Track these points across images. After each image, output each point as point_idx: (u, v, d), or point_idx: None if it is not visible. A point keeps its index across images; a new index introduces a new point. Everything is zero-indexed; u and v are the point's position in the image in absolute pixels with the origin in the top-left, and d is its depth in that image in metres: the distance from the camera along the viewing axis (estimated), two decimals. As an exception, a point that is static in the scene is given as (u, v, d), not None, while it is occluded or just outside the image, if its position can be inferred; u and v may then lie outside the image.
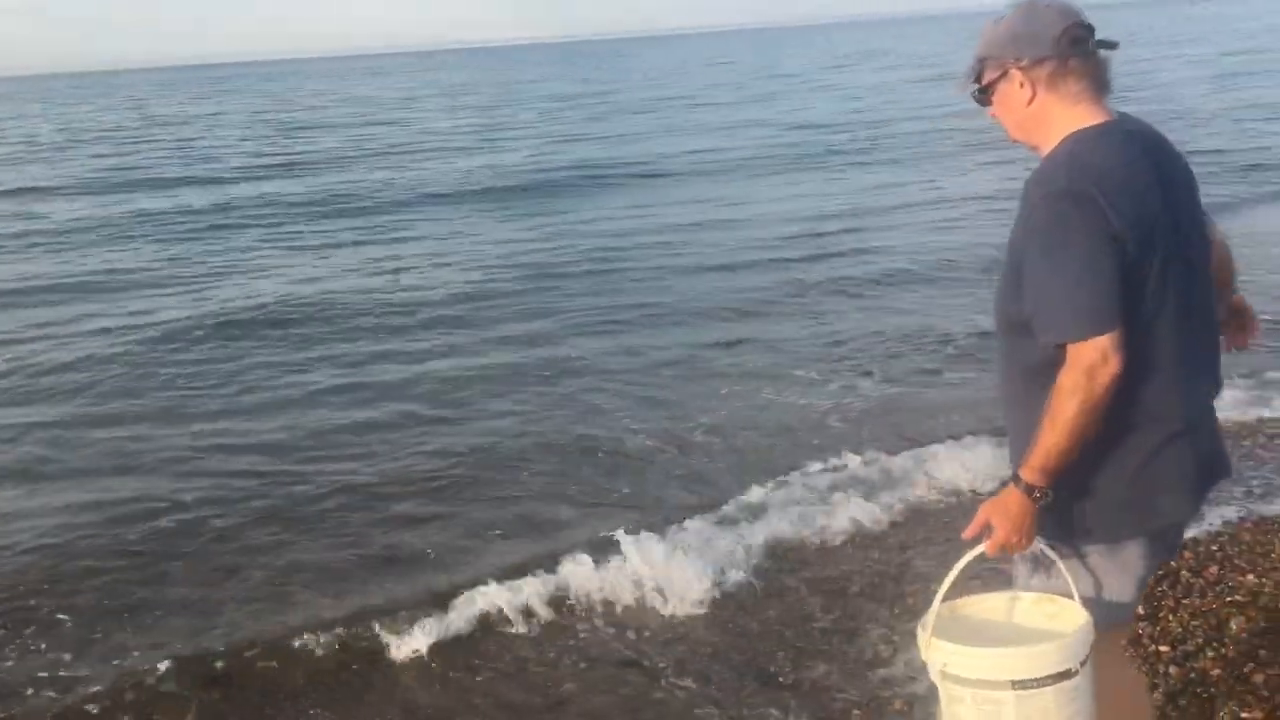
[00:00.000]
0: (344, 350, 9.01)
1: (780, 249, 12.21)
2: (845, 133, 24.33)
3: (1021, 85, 2.40)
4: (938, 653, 2.34)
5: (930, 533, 5.10)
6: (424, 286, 11.33)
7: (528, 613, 4.56)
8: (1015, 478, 2.32)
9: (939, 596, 2.39)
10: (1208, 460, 2.46)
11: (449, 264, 12.56)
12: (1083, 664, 2.29)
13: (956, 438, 6.04)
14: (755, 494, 5.55)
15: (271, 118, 43.94)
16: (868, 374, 7.56)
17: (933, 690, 2.40)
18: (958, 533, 2.41)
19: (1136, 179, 2.30)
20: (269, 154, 27.52)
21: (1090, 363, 2.22)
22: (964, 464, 5.65)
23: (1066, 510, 2.35)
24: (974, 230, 12.31)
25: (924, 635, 2.38)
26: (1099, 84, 2.39)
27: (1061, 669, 2.26)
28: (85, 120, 49.54)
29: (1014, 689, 2.27)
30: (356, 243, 14.52)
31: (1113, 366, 2.22)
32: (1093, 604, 2.38)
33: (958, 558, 2.34)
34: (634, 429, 6.74)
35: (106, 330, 9.84)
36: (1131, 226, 2.24)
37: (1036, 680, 2.25)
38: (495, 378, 7.96)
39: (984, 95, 2.49)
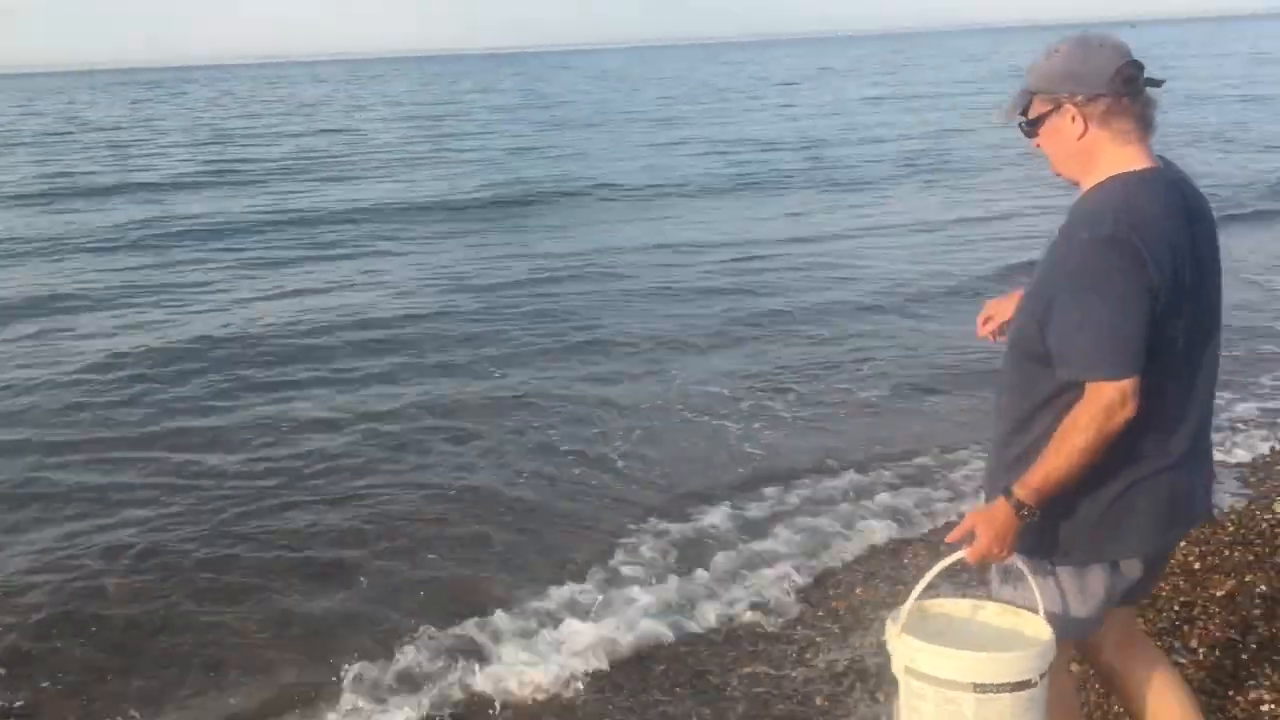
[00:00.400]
0: (265, 379, 8.47)
1: (715, 275, 12.01)
2: (796, 151, 24.35)
3: (1074, 120, 2.47)
4: (906, 648, 2.45)
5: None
6: (352, 311, 10.77)
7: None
8: (1007, 492, 2.43)
9: (914, 594, 2.50)
10: (1186, 499, 2.56)
11: (377, 287, 12.05)
12: (1042, 677, 2.39)
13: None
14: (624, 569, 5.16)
15: (209, 124, 42.47)
16: (798, 403, 7.50)
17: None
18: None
19: (1178, 234, 2.39)
20: (206, 163, 26.47)
21: (1109, 402, 2.33)
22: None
23: (1041, 527, 2.46)
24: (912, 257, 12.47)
25: (893, 629, 2.49)
26: (1146, 123, 2.47)
27: (1023, 679, 2.37)
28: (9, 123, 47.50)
29: (975, 691, 2.37)
30: (286, 262, 13.82)
31: (1129, 410, 2.33)
32: (1054, 617, 2.50)
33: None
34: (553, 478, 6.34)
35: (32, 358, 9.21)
36: (1167, 279, 2.34)
37: (997, 686, 2.36)
38: (417, 416, 7.46)
39: (1032, 127, 2.56)
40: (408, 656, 4.44)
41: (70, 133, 39.90)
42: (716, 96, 48.53)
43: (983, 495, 2.71)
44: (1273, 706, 3.69)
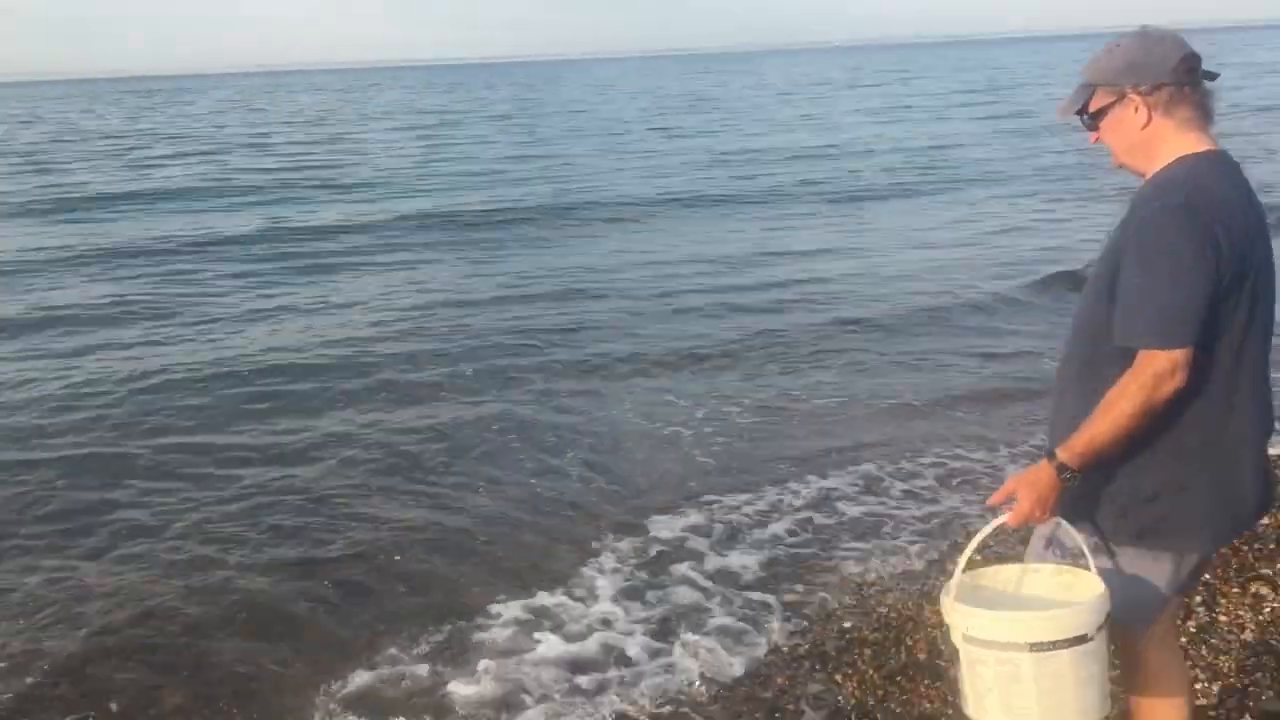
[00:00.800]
0: (243, 403, 8.18)
1: (688, 291, 11.82)
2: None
3: (1138, 110, 2.52)
4: (960, 617, 2.49)
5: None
6: (322, 333, 10.43)
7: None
8: (1051, 455, 2.47)
9: (962, 562, 2.55)
10: (1254, 498, 2.61)
11: (350, 308, 11.62)
12: (1099, 630, 2.44)
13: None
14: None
15: (204, 135, 42.07)
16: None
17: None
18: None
19: (1244, 212, 2.46)
20: (202, 176, 25.89)
21: (1159, 371, 2.36)
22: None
23: (1125, 509, 2.53)
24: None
25: (947, 600, 2.53)
26: (1206, 112, 2.54)
27: (1078, 634, 2.41)
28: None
29: (1031, 651, 2.41)
30: (265, 280, 13.26)
31: (1178, 381, 2.36)
32: (1118, 597, 2.50)
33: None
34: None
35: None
36: (1235, 253, 2.38)
37: (1052, 643, 2.41)
38: (390, 439, 7.25)
39: (1094, 120, 2.61)
40: (388, 669, 4.47)
41: (71, 141, 40.06)
42: (711, 106, 48.71)
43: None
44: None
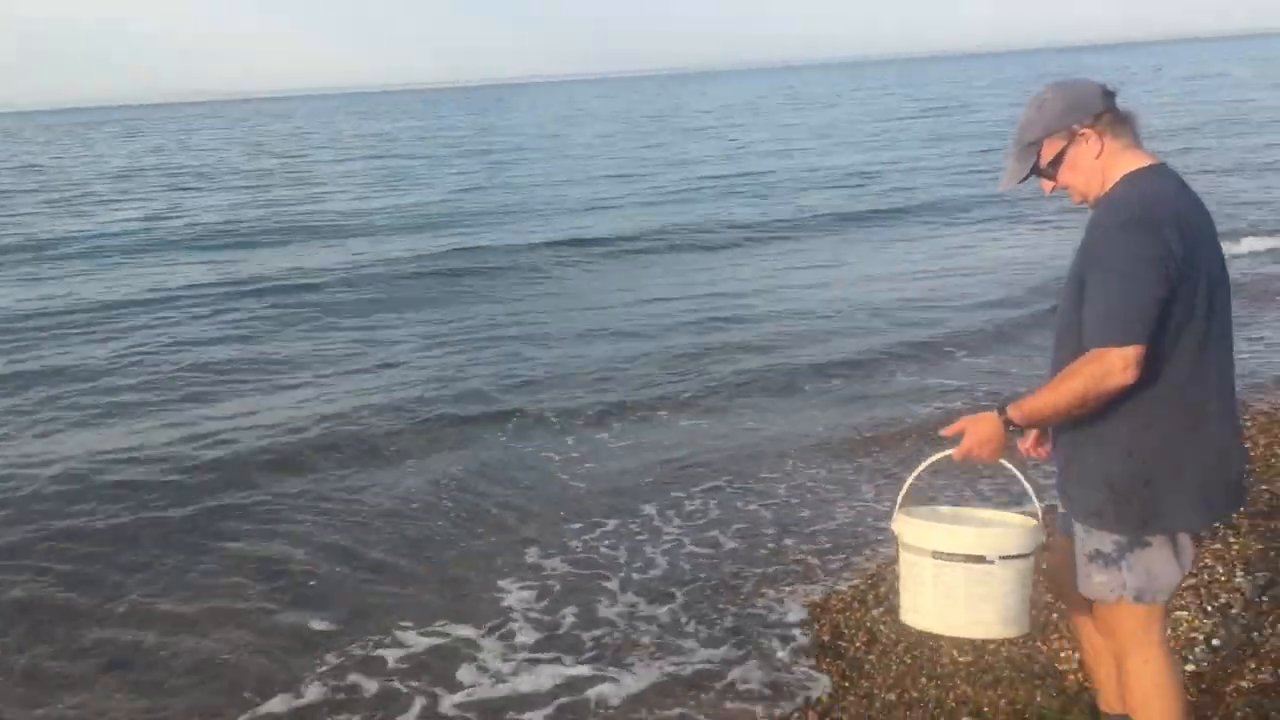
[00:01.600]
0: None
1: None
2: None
3: (1090, 141, 2.80)
4: (897, 523, 2.98)
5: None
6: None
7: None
8: (1001, 408, 2.80)
9: (909, 481, 3.00)
10: (1238, 480, 2.89)
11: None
12: (1003, 559, 2.82)
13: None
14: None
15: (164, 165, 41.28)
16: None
17: None
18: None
19: (1190, 215, 2.71)
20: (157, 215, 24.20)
21: (1109, 366, 2.62)
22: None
23: (1130, 497, 2.78)
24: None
25: (896, 510, 3.01)
26: (1137, 131, 2.84)
27: (975, 554, 2.82)
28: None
29: (933, 558, 2.87)
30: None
31: (1127, 377, 2.62)
32: (1145, 586, 2.85)
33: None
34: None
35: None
36: (1186, 248, 2.63)
37: (949, 555, 2.84)
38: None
39: (1053, 169, 2.87)
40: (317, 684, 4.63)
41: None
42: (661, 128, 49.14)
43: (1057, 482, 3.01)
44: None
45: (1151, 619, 2.98)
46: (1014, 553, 2.86)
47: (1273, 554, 4.87)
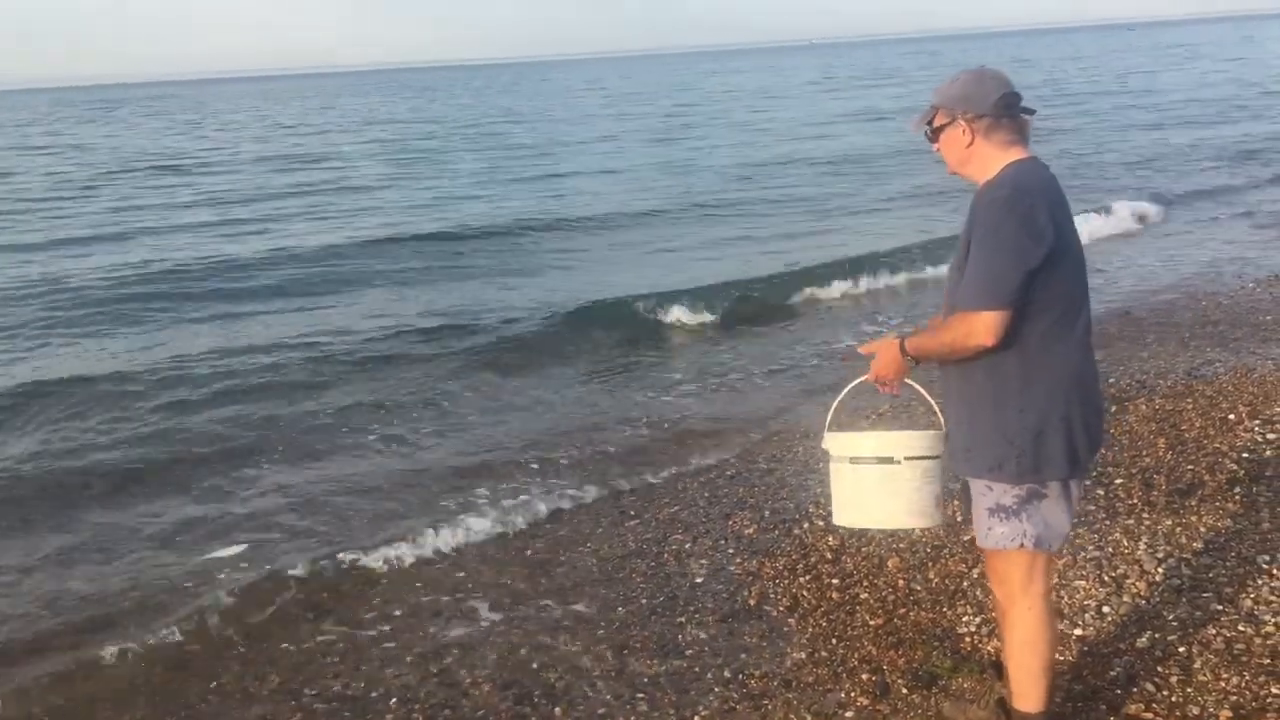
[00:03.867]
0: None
1: None
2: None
3: (964, 132, 3.17)
4: (826, 439, 3.51)
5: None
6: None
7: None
8: (902, 342, 3.23)
9: (835, 403, 3.57)
10: (1099, 429, 3.26)
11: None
12: (908, 459, 3.34)
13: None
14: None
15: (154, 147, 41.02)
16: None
17: None
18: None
19: (1056, 202, 3.09)
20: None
21: (972, 328, 3.00)
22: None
23: (1023, 450, 3.12)
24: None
25: (825, 429, 3.54)
26: (1023, 136, 3.19)
27: (884, 455, 3.38)
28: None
29: (850, 463, 3.44)
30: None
31: (988, 339, 2.99)
32: (1044, 533, 3.22)
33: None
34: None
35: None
36: (1054, 226, 3.00)
37: (862, 458, 3.42)
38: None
39: (935, 134, 3.26)
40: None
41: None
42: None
43: (954, 442, 3.35)
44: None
45: (1037, 569, 3.32)
46: (918, 454, 3.39)
47: (1179, 530, 5.16)
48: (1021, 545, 3.25)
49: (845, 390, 3.54)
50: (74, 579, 5.85)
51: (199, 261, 15.64)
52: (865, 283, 12.82)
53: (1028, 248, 2.98)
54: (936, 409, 3.45)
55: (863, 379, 3.46)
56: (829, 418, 3.58)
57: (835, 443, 3.52)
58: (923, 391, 3.47)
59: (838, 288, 12.66)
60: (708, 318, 11.45)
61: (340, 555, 5.83)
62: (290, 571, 5.66)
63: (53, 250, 17.39)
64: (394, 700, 4.47)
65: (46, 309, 12.95)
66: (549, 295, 12.63)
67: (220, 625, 5.18)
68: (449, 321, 11.52)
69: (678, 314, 11.46)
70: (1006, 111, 3.17)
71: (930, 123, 3.27)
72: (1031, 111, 3.24)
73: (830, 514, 3.67)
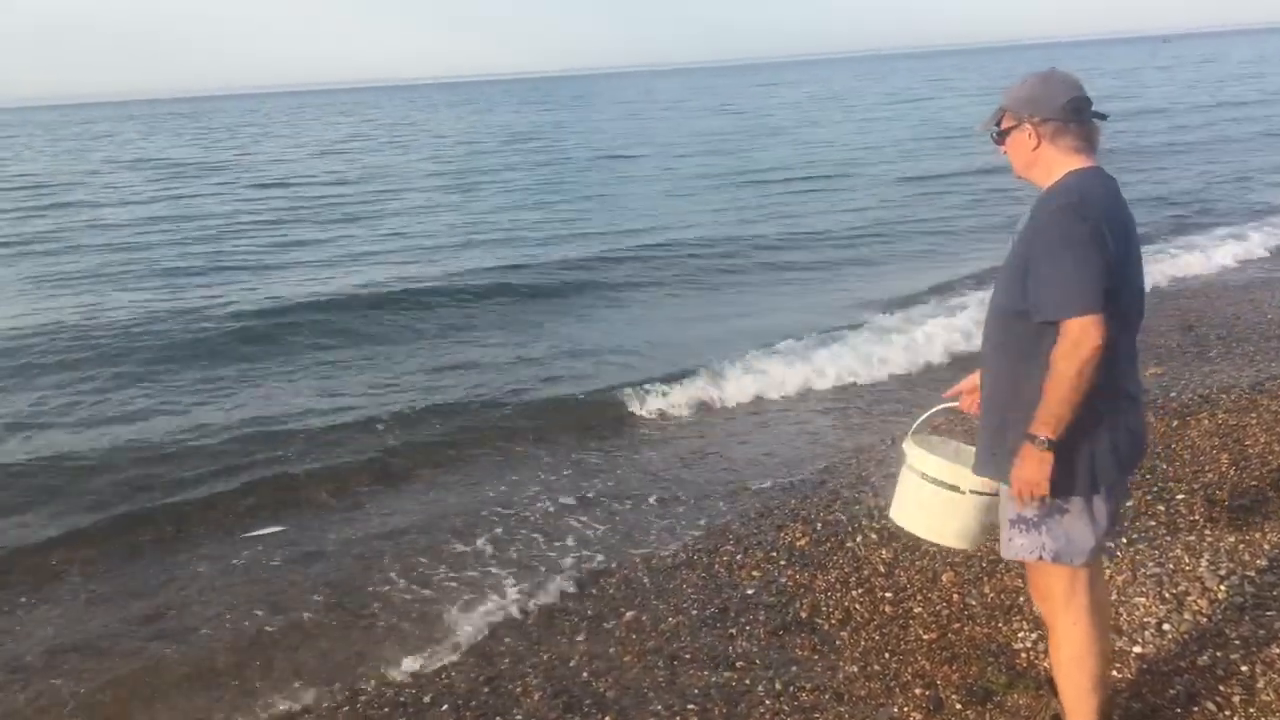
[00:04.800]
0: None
1: None
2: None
3: (1030, 136, 3.13)
4: (906, 443, 3.70)
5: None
6: None
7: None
8: (1032, 436, 3.00)
9: (917, 424, 3.78)
10: (1142, 437, 3.23)
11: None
12: (972, 492, 3.47)
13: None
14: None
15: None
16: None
17: None
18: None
19: (1119, 213, 3.04)
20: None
21: (1079, 335, 2.88)
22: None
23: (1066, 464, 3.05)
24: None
25: (909, 435, 3.74)
26: (1090, 143, 3.13)
27: (950, 483, 3.52)
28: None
29: (921, 477, 3.60)
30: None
31: (1097, 339, 2.87)
32: (1068, 547, 3.19)
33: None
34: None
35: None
36: (1115, 242, 2.94)
37: (934, 479, 3.56)
38: None
39: (1001, 137, 3.22)
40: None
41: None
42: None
43: (982, 443, 3.35)
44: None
45: (1078, 583, 3.28)
46: (982, 490, 3.49)
47: (1242, 546, 5.05)
48: (1040, 557, 3.23)
49: (934, 410, 3.79)
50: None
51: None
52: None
53: (1103, 254, 2.93)
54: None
55: (946, 407, 3.77)
56: (915, 425, 3.78)
57: (913, 452, 3.66)
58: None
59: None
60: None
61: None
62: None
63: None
64: (444, 707, 4.50)
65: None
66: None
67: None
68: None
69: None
70: (1075, 116, 3.12)
71: (998, 124, 3.23)
72: (1103, 117, 3.20)
73: (888, 508, 3.87)
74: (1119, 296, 2.99)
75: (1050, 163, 3.13)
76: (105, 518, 6.93)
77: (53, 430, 8.83)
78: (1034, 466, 3.05)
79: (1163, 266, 12.77)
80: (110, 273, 16.40)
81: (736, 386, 9.12)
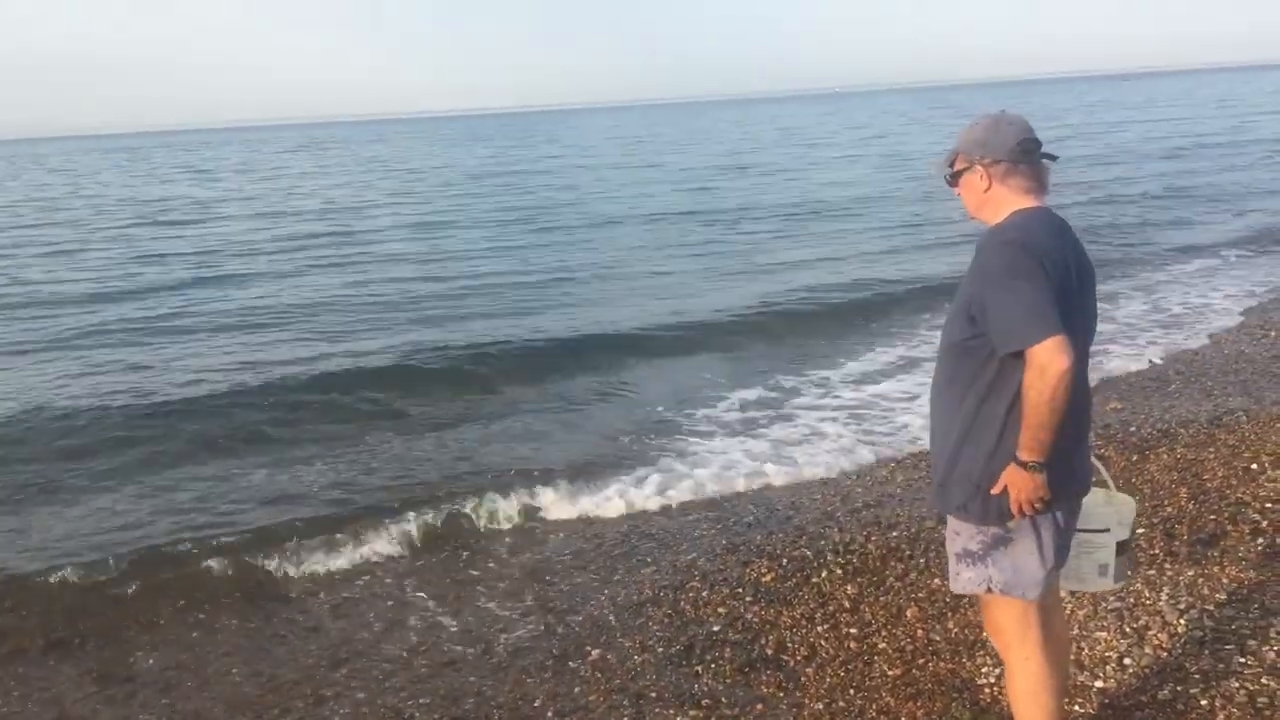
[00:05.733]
0: None
1: None
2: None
3: (981, 177, 3.23)
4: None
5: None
6: None
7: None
8: (1019, 461, 3.05)
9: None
10: (1085, 470, 3.31)
11: None
12: (1112, 536, 3.43)
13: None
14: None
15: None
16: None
17: None
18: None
19: (1063, 251, 3.08)
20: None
21: (1046, 359, 2.91)
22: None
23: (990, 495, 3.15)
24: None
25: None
26: (1040, 184, 3.22)
27: (1100, 526, 3.44)
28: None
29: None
30: None
31: (1065, 360, 2.90)
32: (1005, 574, 3.26)
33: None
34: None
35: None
36: (1057, 280, 2.98)
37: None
38: None
39: (954, 179, 3.32)
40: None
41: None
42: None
43: (935, 475, 3.36)
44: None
45: (1030, 618, 3.32)
46: (1118, 528, 3.51)
47: (1201, 580, 5.11)
48: (989, 589, 3.28)
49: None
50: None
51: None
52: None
53: (1049, 284, 2.98)
54: (1109, 480, 3.54)
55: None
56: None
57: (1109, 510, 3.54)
58: (1098, 464, 3.46)
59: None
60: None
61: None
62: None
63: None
64: (410, 748, 4.46)
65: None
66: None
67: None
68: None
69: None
70: (1024, 157, 3.20)
71: (951, 166, 3.32)
72: (1053, 158, 3.27)
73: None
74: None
75: (1000, 203, 3.22)
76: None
77: None
78: (1027, 483, 3.09)
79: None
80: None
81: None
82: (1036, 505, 3.13)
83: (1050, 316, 2.93)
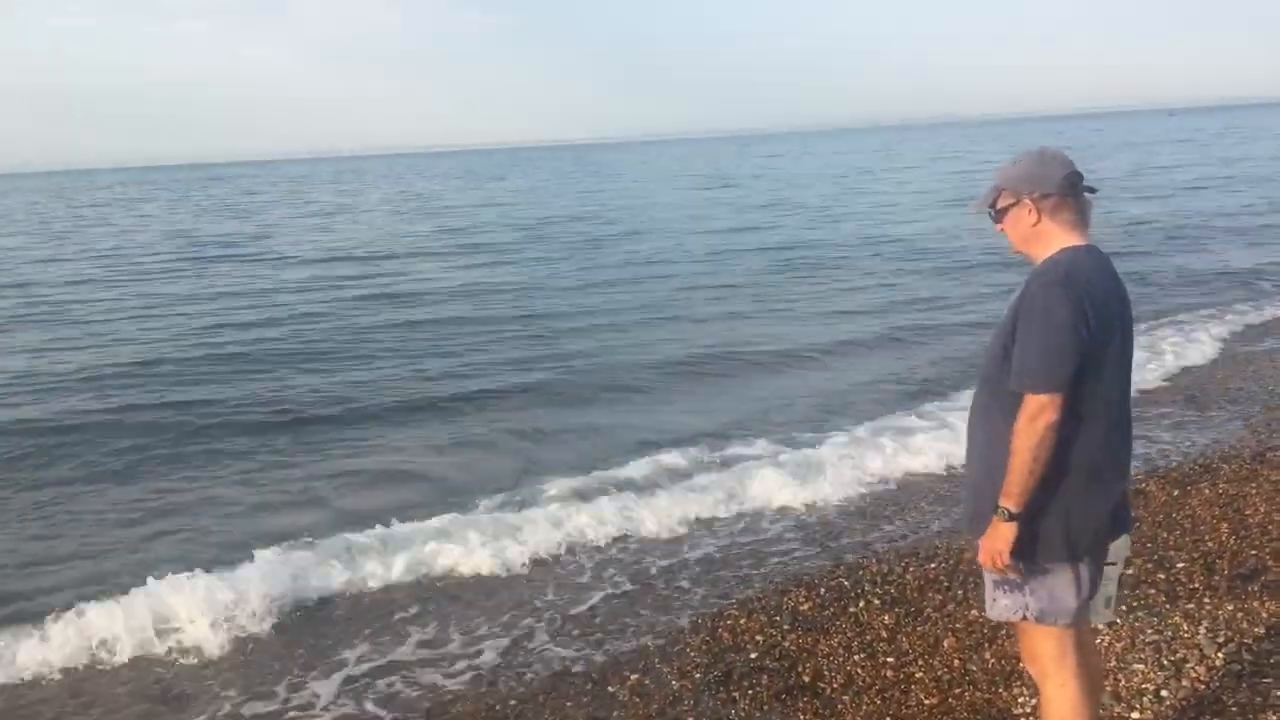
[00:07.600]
0: None
1: None
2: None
3: (1030, 212, 3.23)
4: None
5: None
6: None
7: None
8: (998, 509, 3.10)
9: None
10: (1122, 511, 3.32)
11: None
12: (1119, 571, 3.38)
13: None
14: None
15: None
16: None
17: None
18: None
19: (1107, 292, 3.12)
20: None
21: (1034, 410, 3.00)
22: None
23: (1033, 533, 3.13)
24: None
25: None
26: (1084, 217, 3.24)
27: (1112, 559, 3.36)
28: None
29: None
30: None
31: (1050, 417, 2.99)
32: (1052, 609, 3.25)
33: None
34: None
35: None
36: (1098, 319, 3.03)
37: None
38: None
39: (999, 216, 3.33)
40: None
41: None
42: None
43: (968, 502, 3.40)
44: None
45: (1066, 646, 3.34)
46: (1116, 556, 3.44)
47: (1240, 615, 5.10)
48: (1025, 617, 3.30)
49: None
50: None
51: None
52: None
53: (1075, 334, 3.02)
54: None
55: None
56: None
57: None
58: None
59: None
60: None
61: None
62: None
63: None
64: (451, 768, 4.55)
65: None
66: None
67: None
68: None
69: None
70: (1071, 190, 3.25)
71: (994, 204, 3.35)
72: (1093, 190, 3.34)
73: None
74: (1099, 372, 3.10)
75: (1049, 237, 3.24)
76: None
77: None
78: (997, 536, 3.15)
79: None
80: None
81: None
82: (998, 560, 3.16)
83: (1058, 371, 3.00)
